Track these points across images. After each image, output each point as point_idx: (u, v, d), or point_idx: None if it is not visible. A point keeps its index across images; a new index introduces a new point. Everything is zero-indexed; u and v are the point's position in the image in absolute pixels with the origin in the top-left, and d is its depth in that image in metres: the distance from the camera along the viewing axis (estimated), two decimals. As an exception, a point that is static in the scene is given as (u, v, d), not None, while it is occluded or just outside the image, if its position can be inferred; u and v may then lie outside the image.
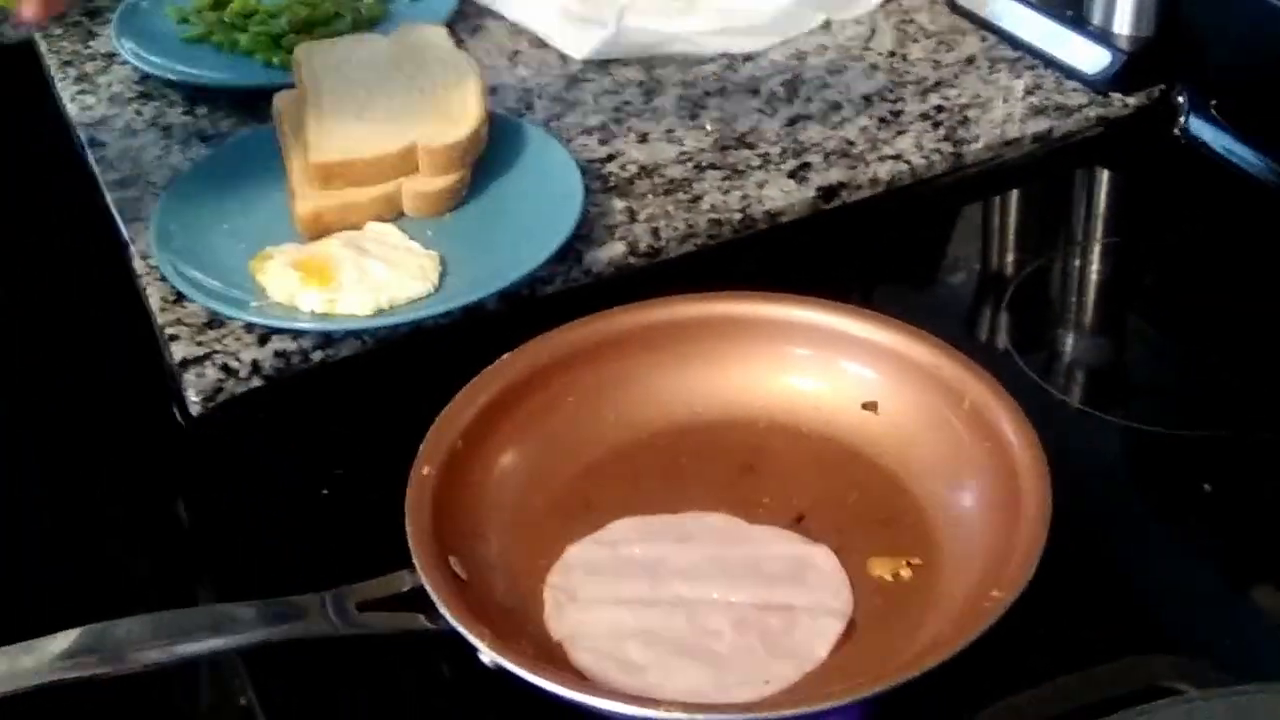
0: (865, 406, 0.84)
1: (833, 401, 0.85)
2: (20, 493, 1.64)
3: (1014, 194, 1.11)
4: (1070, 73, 1.15)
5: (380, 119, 1.02)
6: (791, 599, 0.74)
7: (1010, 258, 1.07)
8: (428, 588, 0.70)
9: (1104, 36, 1.14)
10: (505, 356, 0.84)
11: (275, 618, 0.70)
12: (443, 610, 0.69)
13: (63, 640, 0.69)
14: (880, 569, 0.75)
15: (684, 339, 0.87)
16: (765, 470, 0.82)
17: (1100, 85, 1.13)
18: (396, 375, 0.93)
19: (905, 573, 0.74)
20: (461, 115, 1.02)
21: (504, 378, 0.83)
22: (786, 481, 0.81)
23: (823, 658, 0.71)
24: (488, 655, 0.67)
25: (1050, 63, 1.17)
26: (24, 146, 1.45)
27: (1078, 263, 1.04)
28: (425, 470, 0.77)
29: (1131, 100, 1.13)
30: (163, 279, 0.98)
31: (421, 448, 0.78)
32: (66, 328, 1.57)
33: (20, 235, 1.50)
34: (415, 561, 0.71)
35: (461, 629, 0.68)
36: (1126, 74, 1.13)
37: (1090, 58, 1.14)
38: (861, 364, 0.84)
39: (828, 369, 0.85)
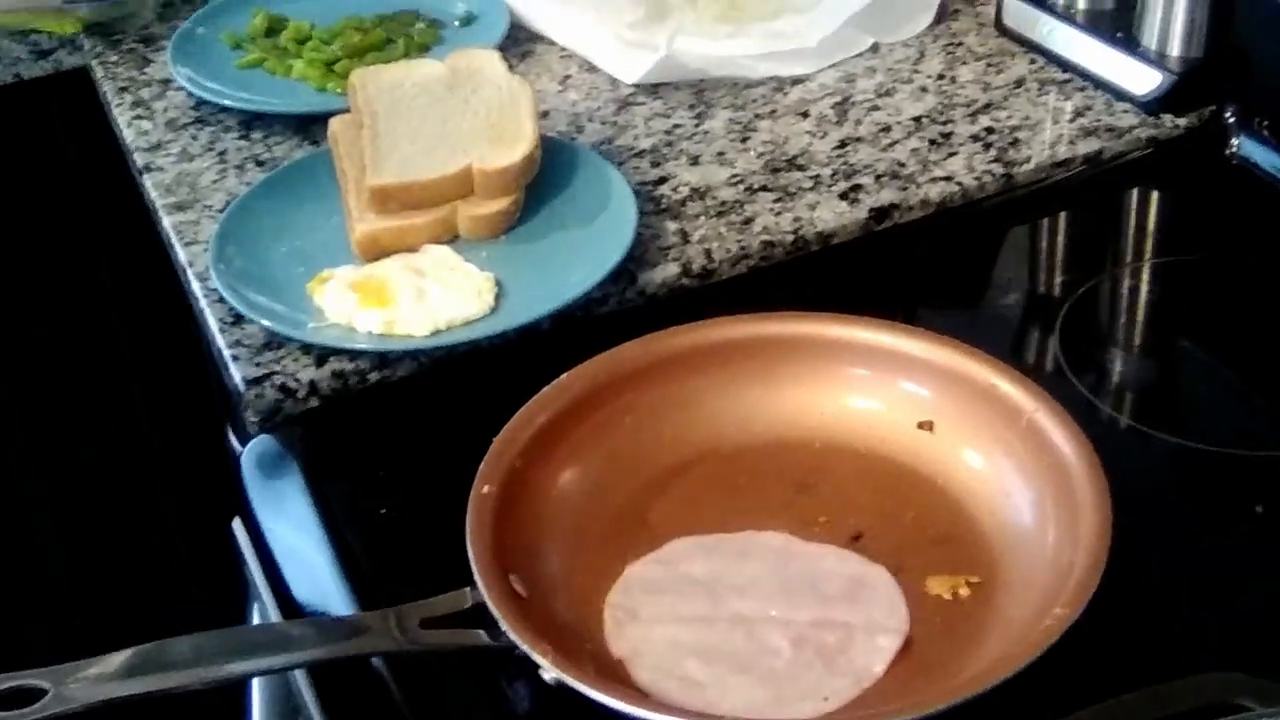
0: (921, 426, 0.84)
1: (888, 420, 0.85)
2: (77, 514, 1.66)
3: (1062, 215, 1.11)
4: (1120, 94, 1.15)
5: (435, 142, 1.03)
6: (848, 617, 0.74)
7: (1060, 278, 1.07)
8: (490, 606, 0.70)
9: (1154, 58, 1.14)
10: (564, 376, 0.85)
11: (340, 634, 0.71)
12: (505, 628, 0.69)
13: (123, 657, 0.69)
14: (939, 587, 0.75)
15: (739, 359, 0.87)
16: (821, 489, 0.83)
17: (1151, 106, 1.13)
18: (452, 396, 0.94)
19: (964, 591, 0.75)
20: (516, 138, 1.03)
21: (563, 397, 0.84)
22: (843, 500, 0.82)
23: (879, 674, 0.71)
24: (550, 672, 0.68)
25: (1100, 84, 1.17)
26: (79, 171, 1.48)
27: (1129, 283, 1.04)
28: (485, 489, 0.78)
29: (1182, 121, 1.13)
30: (220, 301, 0.99)
31: (481, 467, 0.79)
32: (120, 350, 1.59)
33: (73, 258, 1.53)
34: (477, 580, 0.72)
35: (524, 646, 0.68)
36: (1177, 95, 1.13)
37: (1141, 79, 1.14)
38: (917, 383, 0.85)
39: (883, 388, 0.86)
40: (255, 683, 0.94)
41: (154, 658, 0.68)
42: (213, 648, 0.70)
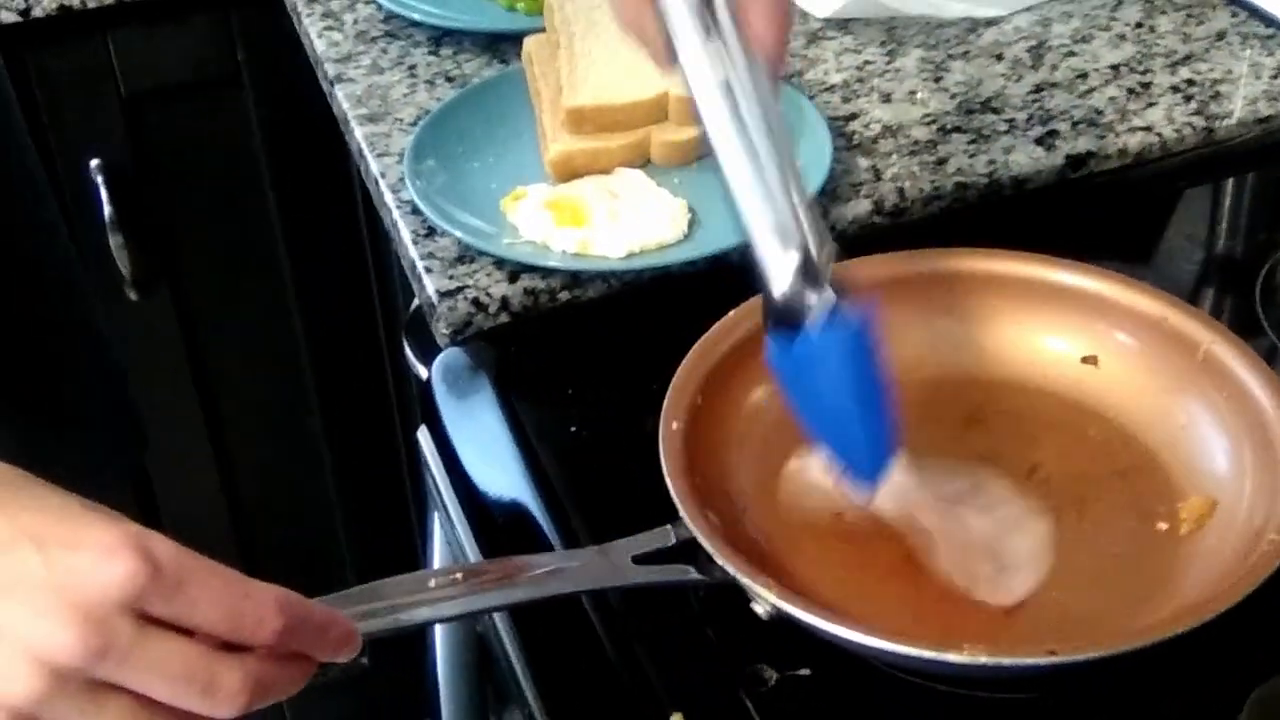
0: (1085, 360, 0.83)
1: (1052, 356, 0.84)
2: (257, 426, 1.69)
3: (1252, 174, 1.08)
4: (1326, 52, 1.13)
5: (632, 66, 1.03)
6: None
7: (1253, 239, 1.05)
8: (707, 546, 0.70)
9: (1365, 16, 1.12)
10: (734, 311, 0.84)
11: (561, 572, 0.70)
12: (724, 564, 0.69)
13: (340, 599, 0.67)
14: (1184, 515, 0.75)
15: (902, 293, 0.85)
16: (992, 424, 0.82)
17: (1358, 66, 1.11)
18: (640, 318, 0.94)
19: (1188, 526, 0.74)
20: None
21: (737, 332, 0.83)
22: (1014, 435, 0.81)
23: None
24: (766, 605, 0.68)
25: (1305, 41, 1.14)
26: (267, 81, 1.49)
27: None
28: (674, 426, 0.77)
29: (1389, 83, 1.10)
30: (414, 213, 1.00)
31: (665, 404, 0.78)
32: (280, 267, 1.61)
33: (238, 171, 1.55)
34: (685, 520, 0.71)
35: (746, 581, 0.68)
36: (1387, 55, 1.10)
37: (1348, 37, 1.12)
38: (1079, 316, 0.84)
39: (1045, 323, 0.85)
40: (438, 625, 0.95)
41: (362, 600, 0.66)
42: (422, 589, 0.68)
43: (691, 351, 0.82)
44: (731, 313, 0.84)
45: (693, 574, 0.71)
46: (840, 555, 0.75)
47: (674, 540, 0.72)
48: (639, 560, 0.71)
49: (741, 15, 0.71)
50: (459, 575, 0.69)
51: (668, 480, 0.74)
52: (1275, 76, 1.11)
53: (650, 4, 0.72)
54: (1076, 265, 0.85)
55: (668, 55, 0.72)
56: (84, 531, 0.56)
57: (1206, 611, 0.64)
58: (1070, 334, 0.84)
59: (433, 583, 0.69)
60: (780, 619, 0.67)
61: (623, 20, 0.75)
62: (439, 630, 0.96)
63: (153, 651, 0.55)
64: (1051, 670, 0.64)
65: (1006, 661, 0.64)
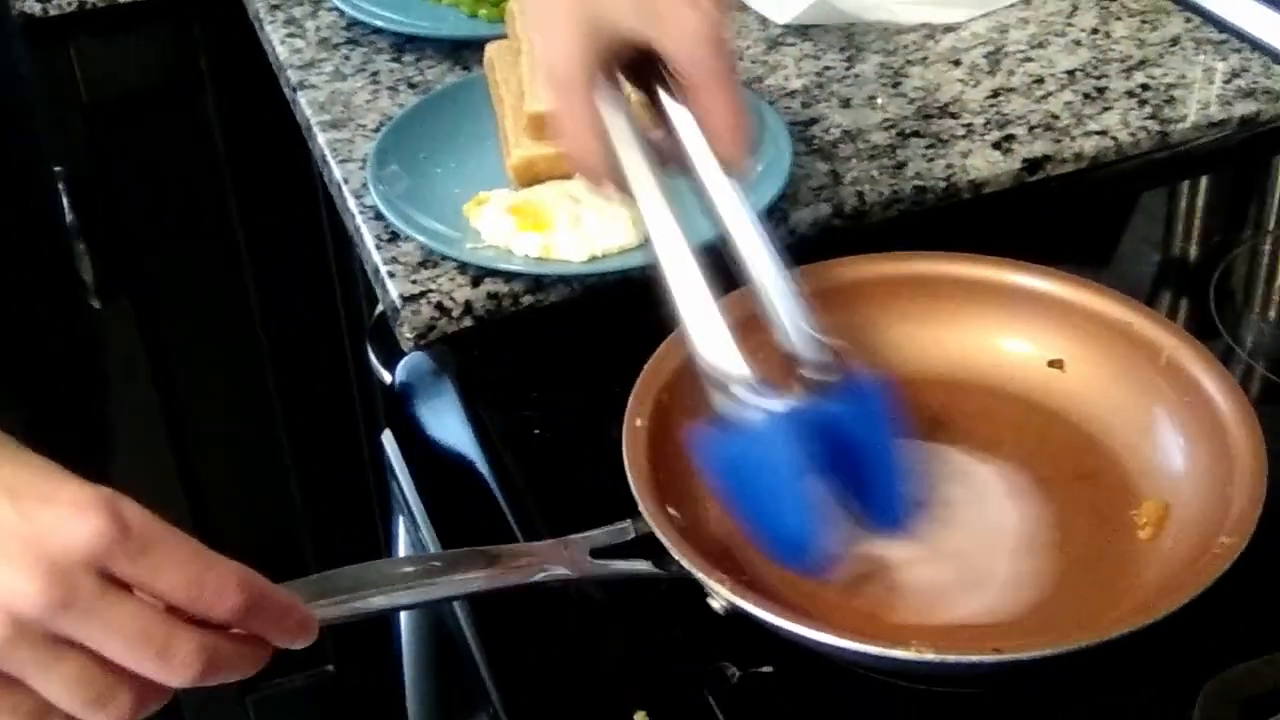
0: (1051, 364, 0.85)
1: (1018, 358, 0.85)
2: (217, 435, 1.69)
3: (1206, 177, 1.10)
4: (1278, 57, 1.14)
5: (593, 72, 1.04)
6: None
7: (1213, 239, 1.06)
8: (664, 540, 0.71)
9: (1315, 21, 1.13)
10: None
11: (517, 563, 0.71)
12: (680, 559, 0.70)
13: (298, 585, 0.67)
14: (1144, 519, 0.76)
15: (869, 296, 0.87)
16: (956, 425, 0.83)
17: (1310, 71, 1.12)
18: (602, 321, 0.94)
19: (1147, 527, 0.75)
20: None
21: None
22: (977, 436, 0.82)
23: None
24: (723, 599, 0.68)
25: (1257, 46, 1.16)
26: (228, 87, 1.50)
27: (1271, 248, 1.04)
28: (638, 423, 0.78)
29: (1341, 87, 1.12)
30: (376, 218, 1.00)
31: (630, 400, 0.79)
32: (241, 267, 1.62)
33: (203, 175, 1.55)
34: (644, 514, 0.72)
35: (701, 576, 0.69)
36: (1338, 60, 1.12)
37: (1300, 43, 1.13)
38: (1047, 321, 0.85)
39: (1011, 326, 0.86)
40: (403, 613, 0.96)
41: (321, 588, 0.67)
42: (381, 577, 0.69)
43: (658, 349, 0.83)
44: None
45: (650, 568, 0.72)
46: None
47: (633, 535, 0.73)
48: (598, 554, 0.72)
49: (709, 133, 0.77)
50: (415, 565, 0.70)
51: (628, 474, 0.75)
52: (1228, 81, 1.13)
53: (596, 137, 0.76)
54: (1042, 269, 0.86)
55: (611, 184, 0.77)
56: (59, 488, 0.57)
57: (1150, 614, 0.65)
58: (1036, 338, 0.85)
59: (389, 571, 0.70)
60: (735, 614, 0.68)
61: (565, 145, 0.78)
62: (405, 633, 0.97)
63: (113, 610, 0.56)
64: (998, 668, 0.65)
65: (952, 659, 0.65)
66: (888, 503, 0.75)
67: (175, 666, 0.57)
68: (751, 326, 0.77)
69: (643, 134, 0.79)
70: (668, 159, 0.80)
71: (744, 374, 0.73)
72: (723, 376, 0.73)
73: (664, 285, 0.76)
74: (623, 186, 0.78)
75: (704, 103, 0.77)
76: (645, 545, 0.72)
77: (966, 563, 0.75)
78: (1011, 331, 0.86)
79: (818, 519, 0.71)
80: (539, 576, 0.71)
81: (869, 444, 0.75)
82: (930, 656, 0.64)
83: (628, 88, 0.80)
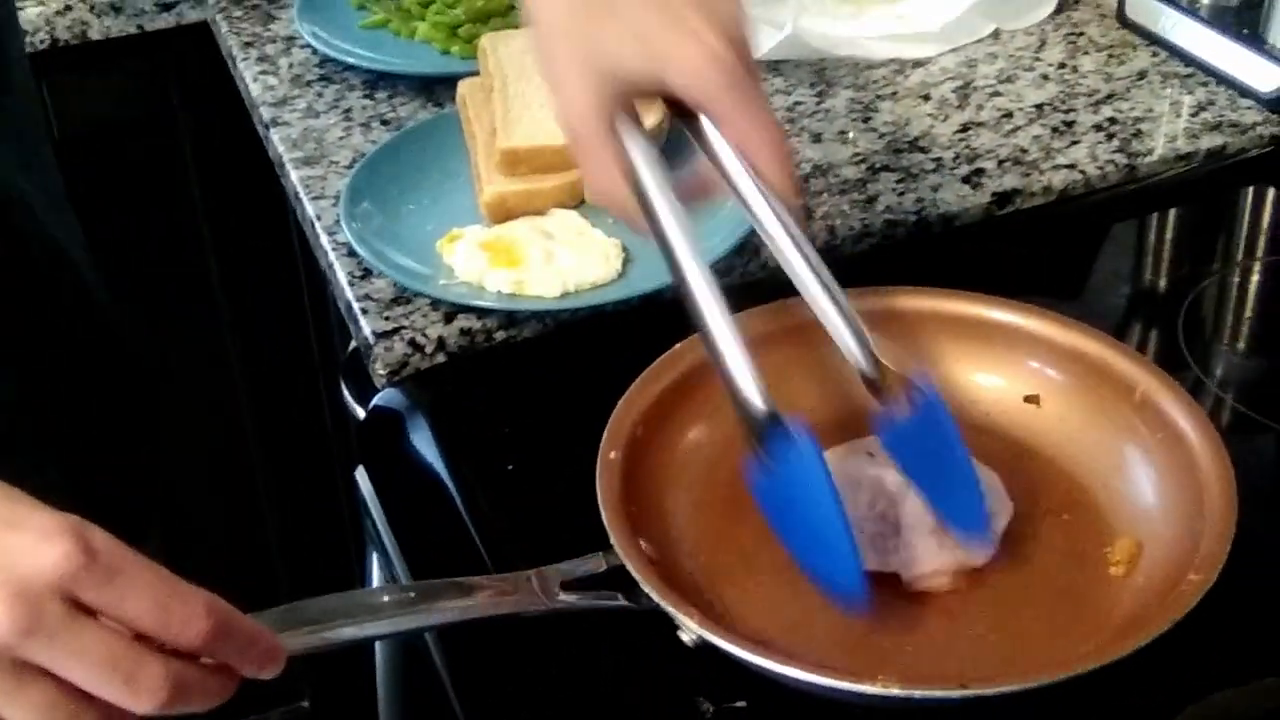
0: (1028, 400, 0.85)
1: (994, 394, 0.86)
2: (193, 471, 1.68)
3: (1184, 209, 1.11)
4: (1244, 91, 1.15)
5: (565, 108, 1.04)
6: None
7: (1181, 272, 1.07)
8: (634, 572, 0.71)
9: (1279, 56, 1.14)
10: (680, 345, 0.85)
11: (486, 595, 0.71)
12: (649, 591, 0.70)
13: (267, 615, 0.67)
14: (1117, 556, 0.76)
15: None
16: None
17: (1275, 104, 1.13)
18: (575, 357, 0.95)
19: (1120, 565, 0.75)
20: (645, 106, 1.03)
21: (680, 364, 0.85)
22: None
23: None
24: (691, 634, 0.68)
25: (1223, 80, 1.17)
26: (201, 124, 1.50)
27: (1253, 279, 1.04)
28: (611, 455, 0.78)
29: (1306, 121, 1.13)
30: (349, 255, 1.00)
31: (605, 434, 0.80)
32: (217, 301, 1.61)
33: (177, 209, 1.55)
34: (615, 545, 0.72)
35: (669, 609, 0.69)
36: (1302, 94, 1.13)
37: (1265, 76, 1.14)
38: (1024, 357, 0.86)
39: (988, 362, 0.86)
40: (378, 645, 0.96)
41: (290, 619, 0.67)
42: (352, 608, 0.69)
43: (635, 383, 0.83)
44: (677, 346, 0.85)
45: (621, 601, 0.72)
46: (773, 588, 0.76)
47: (605, 567, 0.73)
48: (569, 586, 0.72)
49: (749, 163, 0.75)
50: (386, 596, 0.70)
51: (601, 505, 0.75)
52: (1195, 114, 1.14)
53: (624, 181, 0.75)
54: (1018, 305, 0.86)
55: (645, 223, 0.76)
56: (27, 515, 0.57)
57: (1116, 651, 0.65)
58: (1012, 373, 0.86)
59: (359, 602, 0.70)
60: (705, 648, 0.68)
61: (593, 190, 0.78)
62: (379, 667, 0.96)
63: (79, 637, 0.56)
64: (965, 702, 0.65)
65: (918, 694, 0.65)
66: (970, 509, 0.75)
67: (142, 693, 0.57)
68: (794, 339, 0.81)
69: (665, 172, 0.77)
70: (698, 190, 0.79)
71: (769, 410, 0.72)
72: (759, 414, 0.72)
73: (700, 327, 0.75)
74: (647, 227, 0.77)
75: (735, 131, 0.76)
76: (617, 578, 0.73)
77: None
78: (988, 367, 0.87)
79: (855, 554, 0.70)
80: (509, 609, 0.71)
81: (945, 454, 0.75)
82: (897, 692, 0.64)
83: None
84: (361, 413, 0.98)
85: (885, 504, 0.76)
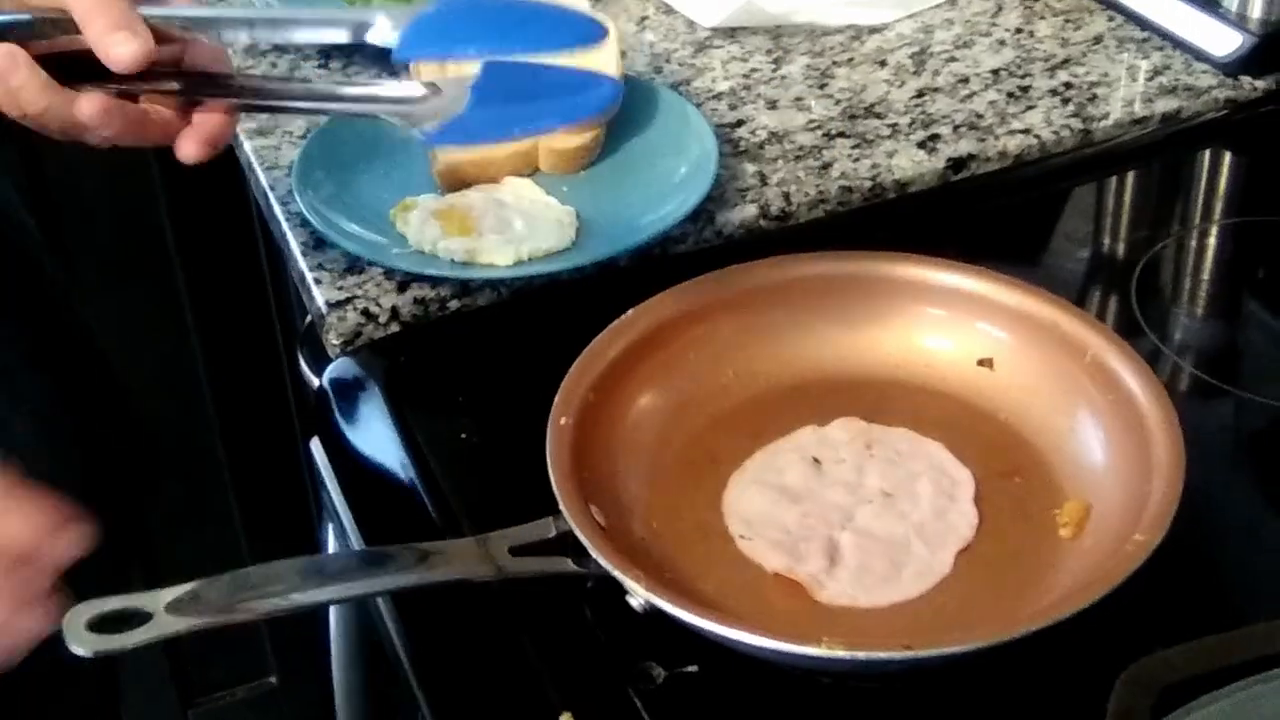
0: (981, 363, 0.85)
1: (948, 358, 0.86)
2: (152, 444, 1.67)
3: (1138, 172, 1.11)
4: (1199, 54, 1.15)
5: (519, 76, 1.04)
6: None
7: (1135, 235, 1.08)
8: (580, 536, 0.71)
9: (1235, 19, 1.14)
10: (632, 310, 0.86)
11: (434, 561, 0.71)
12: (596, 556, 0.70)
13: (223, 581, 0.68)
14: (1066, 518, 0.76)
15: (801, 296, 0.88)
16: (889, 424, 0.84)
17: (1230, 68, 1.13)
18: (529, 325, 0.94)
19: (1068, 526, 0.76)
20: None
21: (633, 330, 0.85)
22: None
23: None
24: (640, 598, 0.69)
25: (1179, 44, 1.17)
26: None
27: (1205, 241, 1.05)
28: (562, 421, 0.78)
29: (1260, 84, 1.13)
30: (302, 225, 1.00)
31: (556, 399, 0.80)
32: (174, 282, 1.61)
33: (131, 189, 1.54)
34: (563, 510, 0.73)
35: (617, 573, 0.69)
36: (1257, 57, 1.13)
37: (1220, 40, 1.14)
38: (976, 320, 0.86)
39: (942, 326, 0.87)
40: (333, 610, 0.96)
41: (239, 584, 0.68)
42: (301, 573, 0.69)
43: (587, 349, 0.83)
44: (629, 312, 0.85)
45: (570, 565, 0.72)
46: (726, 555, 0.77)
47: (554, 533, 0.73)
48: (517, 551, 0.72)
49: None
50: (335, 562, 0.70)
51: (550, 470, 0.75)
52: (1150, 78, 1.14)
53: None
54: (971, 268, 0.87)
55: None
56: None
57: (1060, 610, 0.66)
58: (966, 337, 0.86)
59: (309, 567, 0.70)
60: (654, 613, 0.68)
61: None
62: (334, 637, 0.96)
63: None
64: (910, 664, 0.66)
65: (863, 656, 0.65)
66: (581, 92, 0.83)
67: None
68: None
69: None
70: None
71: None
72: None
73: None
74: None
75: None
76: (566, 543, 0.73)
77: (890, 555, 0.75)
78: (942, 331, 0.87)
79: None
80: (457, 574, 0.71)
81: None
82: (841, 654, 0.64)
83: None
84: (318, 383, 0.98)
85: (819, 522, 0.77)
